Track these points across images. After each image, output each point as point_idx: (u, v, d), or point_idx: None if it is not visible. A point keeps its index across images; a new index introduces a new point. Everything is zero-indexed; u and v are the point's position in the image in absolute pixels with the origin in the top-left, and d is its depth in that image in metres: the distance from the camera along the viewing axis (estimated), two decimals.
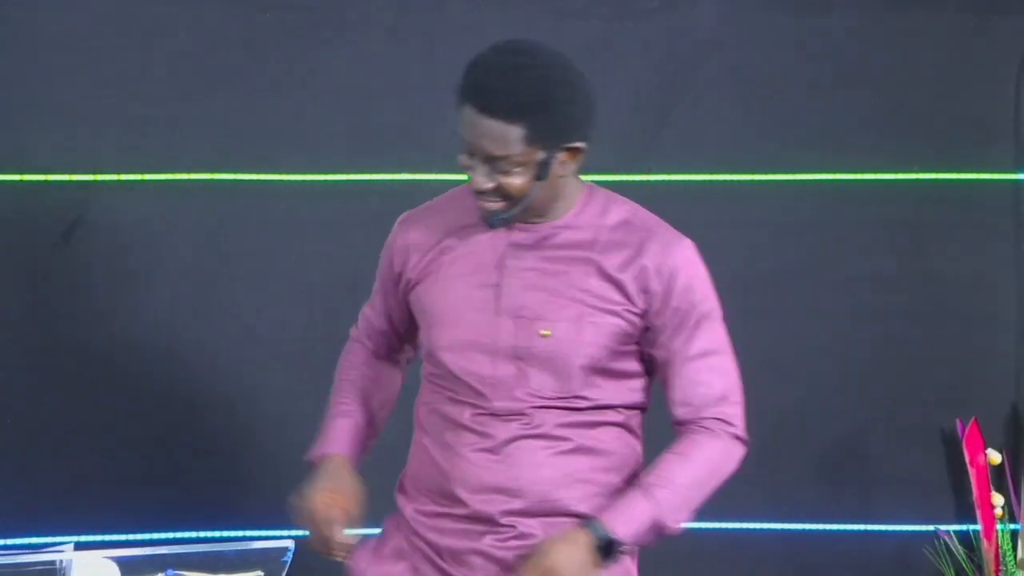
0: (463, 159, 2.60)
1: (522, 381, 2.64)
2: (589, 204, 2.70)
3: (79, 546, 2.44)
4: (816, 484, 4.29)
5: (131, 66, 4.13)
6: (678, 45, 4.27)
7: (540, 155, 2.57)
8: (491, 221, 2.64)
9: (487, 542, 2.66)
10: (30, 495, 4.02)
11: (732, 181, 4.29)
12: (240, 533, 2.80)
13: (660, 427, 2.74)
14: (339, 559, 2.66)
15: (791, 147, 4.29)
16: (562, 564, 2.54)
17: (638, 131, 4.25)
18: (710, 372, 2.67)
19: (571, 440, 2.66)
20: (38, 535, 2.26)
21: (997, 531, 4.15)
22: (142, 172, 4.13)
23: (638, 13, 4.26)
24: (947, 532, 4.20)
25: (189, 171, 4.14)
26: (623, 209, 2.71)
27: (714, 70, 4.27)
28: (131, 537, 2.55)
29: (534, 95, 2.53)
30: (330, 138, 4.18)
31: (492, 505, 2.64)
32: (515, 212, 2.62)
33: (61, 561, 2.32)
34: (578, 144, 2.60)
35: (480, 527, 2.65)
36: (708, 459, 2.66)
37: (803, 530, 4.28)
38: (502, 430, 2.65)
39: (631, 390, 2.70)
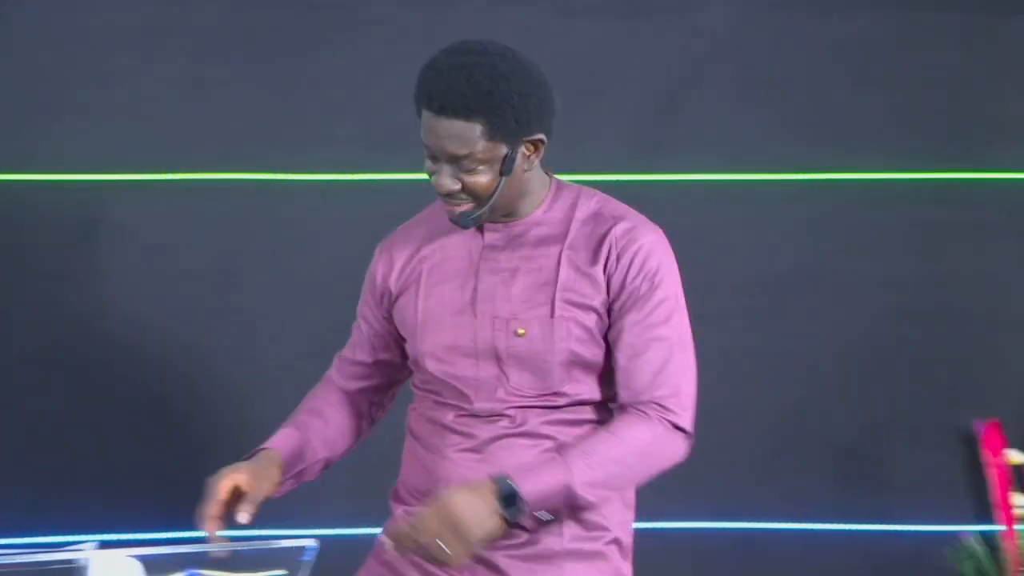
0: (428, 165, 2.62)
1: (504, 381, 2.66)
2: (558, 199, 2.72)
3: (102, 544, 2.44)
4: (832, 484, 4.29)
5: (149, 66, 4.14)
6: (689, 44, 4.27)
7: (502, 150, 2.59)
8: (462, 222, 2.65)
9: None
10: (53, 493, 4.05)
11: (744, 181, 4.29)
12: (262, 532, 2.79)
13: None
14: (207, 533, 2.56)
15: (803, 146, 4.29)
16: (463, 510, 2.48)
17: (649, 130, 4.26)
18: (656, 356, 2.64)
19: (554, 438, 2.66)
20: (60, 533, 2.26)
21: (1018, 531, 4.14)
22: (160, 172, 4.15)
23: (648, 12, 4.26)
24: (967, 533, 4.20)
25: (207, 171, 4.15)
26: (592, 201, 2.73)
27: (726, 69, 4.28)
28: (154, 536, 2.55)
29: (489, 89, 2.54)
30: (348, 137, 4.19)
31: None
32: (484, 211, 2.63)
33: (84, 559, 2.32)
34: (539, 136, 2.62)
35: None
36: (635, 439, 2.60)
37: (820, 530, 4.28)
38: (486, 430, 2.67)
39: (612, 384, 2.69)
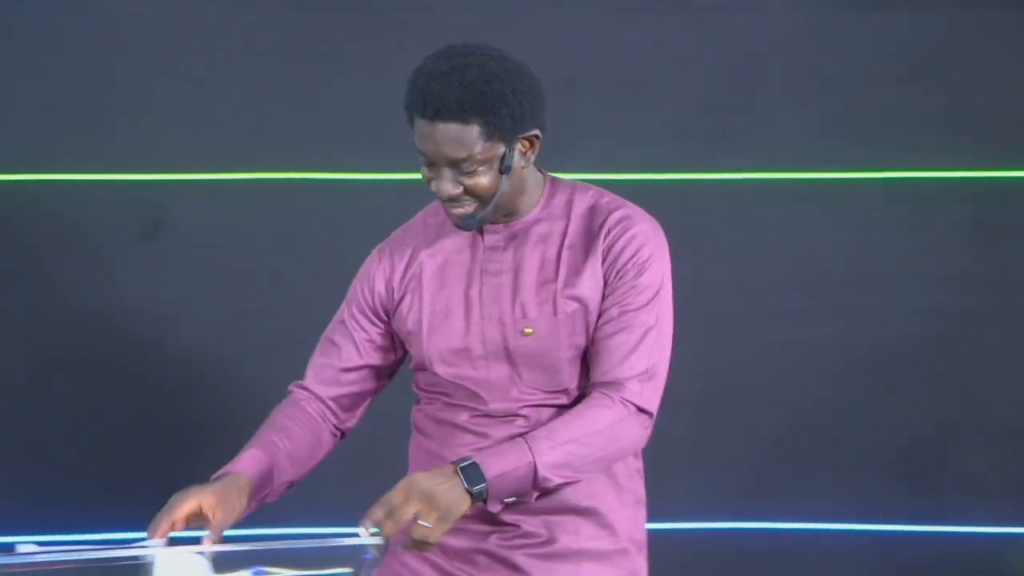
0: (425, 172, 2.63)
1: (516, 381, 2.67)
2: (554, 196, 2.73)
3: (171, 541, 2.45)
4: (896, 485, 4.27)
5: (214, 67, 4.16)
6: (744, 42, 4.25)
7: (500, 149, 2.59)
8: (467, 225, 2.66)
9: (492, 541, 2.69)
10: (122, 491, 4.07)
11: (799, 180, 4.27)
12: (330, 530, 2.80)
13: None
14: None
15: (857, 145, 4.26)
16: (428, 483, 2.48)
17: (704, 129, 4.25)
18: (630, 337, 2.64)
19: None
20: (130, 530, 2.28)
21: None
22: (223, 171, 4.17)
23: (702, 10, 4.25)
24: None
25: (270, 170, 4.17)
26: (588, 195, 2.73)
27: (780, 67, 4.26)
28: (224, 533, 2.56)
29: (482, 90, 2.55)
30: (411, 136, 4.19)
31: (495, 505, 2.64)
32: (488, 211, 2.64)
33: (151, 556, 2.34)
34: (534, 132, 2.63)
35: (485, 527, 2.67)
36: (598, 420, 2.60)
37: (883, 531, 4.26)
38: (501, 430, 2.68)
39: None
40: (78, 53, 4.15)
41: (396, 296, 2.76)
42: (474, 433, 2.69)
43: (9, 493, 4.13)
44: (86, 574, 2.28)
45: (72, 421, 4.15)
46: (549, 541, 2.68)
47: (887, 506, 4.26)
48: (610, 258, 2.67)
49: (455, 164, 2.59)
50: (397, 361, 2.83)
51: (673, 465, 3.88)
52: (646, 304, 2.66)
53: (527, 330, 2.66)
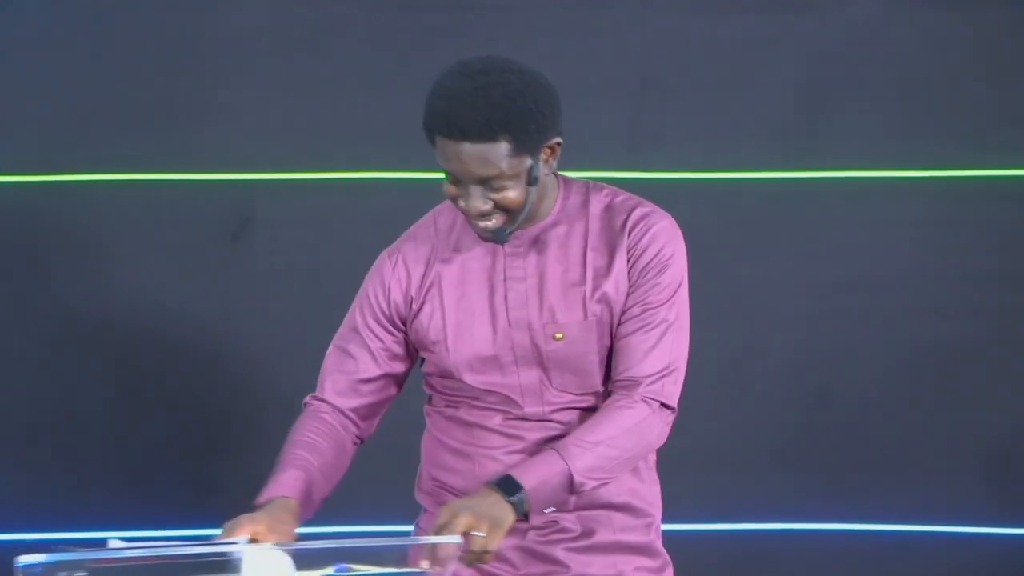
0: (451, 189, 2.61)
1: (546, 385, 2.69)
2: (569, 196, 2.73)
3: (254, 539, 2.49)
4: (978, 486, 4.25)
5: (300, 67, 4.19)
6: (831, 40, 4.23)
7: (527, 162, 2.58)
8: (499, 238, 2.65)
9: (530, 538, 2.71)
10: (208, 490, 4.13)
11: (883, 178, 4.25)
12: (408, 528, 2.82)
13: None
14: None
15: (944, 143, 4.24)
16: (473, 502, 2.51)
17: (791, 128, 4.24)
18: (652, 335, 2.66)
19: None
20: (214, 527, 2.32)
21: None
22: (311, 171, 4.20)
23: (795, 7, 4.24)
24: None
25: (357, 169, 4.20)
26: (603, 194, 2.73)
27: (867, 65, 4.24)
28: (304, 531, 2.59)
29: (508, 108, 2.53)
30: None
31: (537, 517, 2.65)
32: (520, 222, 2.64)
33: (238, 553, 2.36)
34: (556, 139, 2.62)
35: (522, 524, 2.65)
36: (624, 420, 2.63)
37: (967, 533, 4.24)
38: (535, 433, 2.70)
39: None
40: (167, 60, 4.19)
41: (415, 306, 2.74)
42: (508, 436, 2.71)
43: (99, 489, 4.19)
44: (172, 571, 2.31)
45: (155, 422, 4.21)
46: (586, 534, 2.72)
47: (969, 507, 4.24)
48: (634, 256, 2.68)
49: (484, 181, 2.57)
50: (412, 367, 2.82)
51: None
52: (667, 301, 2.68)
53: (557, 335, 2.67)
